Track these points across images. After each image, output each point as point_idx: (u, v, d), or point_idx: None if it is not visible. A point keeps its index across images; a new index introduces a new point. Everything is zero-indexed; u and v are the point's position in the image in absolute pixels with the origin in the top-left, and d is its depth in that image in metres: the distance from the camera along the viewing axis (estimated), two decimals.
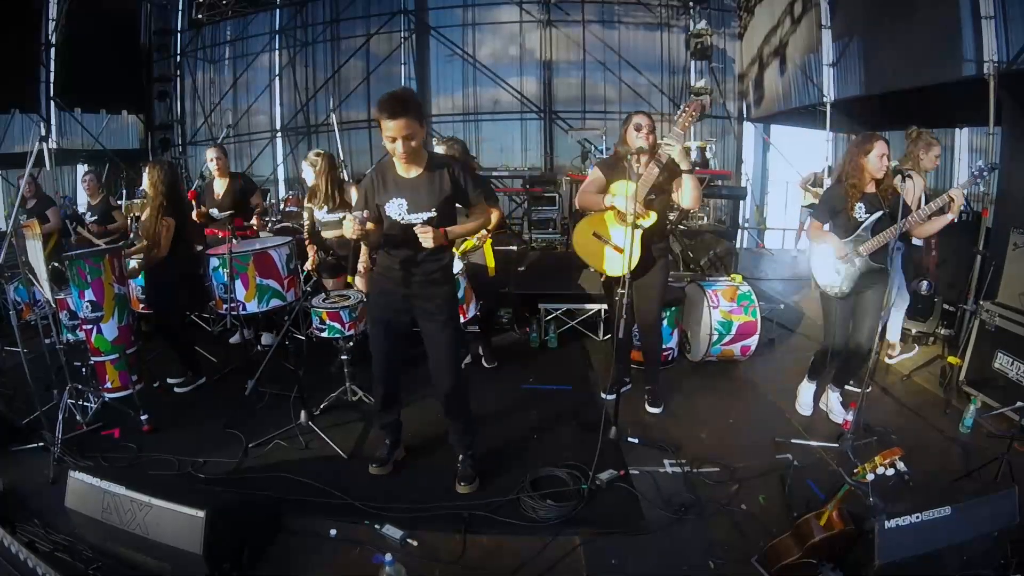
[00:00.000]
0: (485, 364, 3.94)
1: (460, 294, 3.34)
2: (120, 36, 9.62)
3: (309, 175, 3.78)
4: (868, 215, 2.78)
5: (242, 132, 10.68)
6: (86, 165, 9.37)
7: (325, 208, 3.63)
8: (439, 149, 3.56)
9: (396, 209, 2.26)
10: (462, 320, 3.40)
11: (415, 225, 2.23)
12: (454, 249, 3.64)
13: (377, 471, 2.61)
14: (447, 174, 2.28)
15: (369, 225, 2.25)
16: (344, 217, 2.34)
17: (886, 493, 1.99)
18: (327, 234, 3.71)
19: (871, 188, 2.80)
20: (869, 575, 1.79)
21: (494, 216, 3.61)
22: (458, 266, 3.37)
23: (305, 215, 3.87)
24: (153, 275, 3.49)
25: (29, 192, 4.85)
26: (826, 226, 2.93)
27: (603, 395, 3.40)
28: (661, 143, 2.79)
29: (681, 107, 2.79)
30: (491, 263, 3.75)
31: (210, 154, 4.14)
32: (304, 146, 10.38)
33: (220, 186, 4.14)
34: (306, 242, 3.79)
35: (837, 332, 2.95)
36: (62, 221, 5.07)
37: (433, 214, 2.25)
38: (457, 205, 2.40)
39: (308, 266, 3.76)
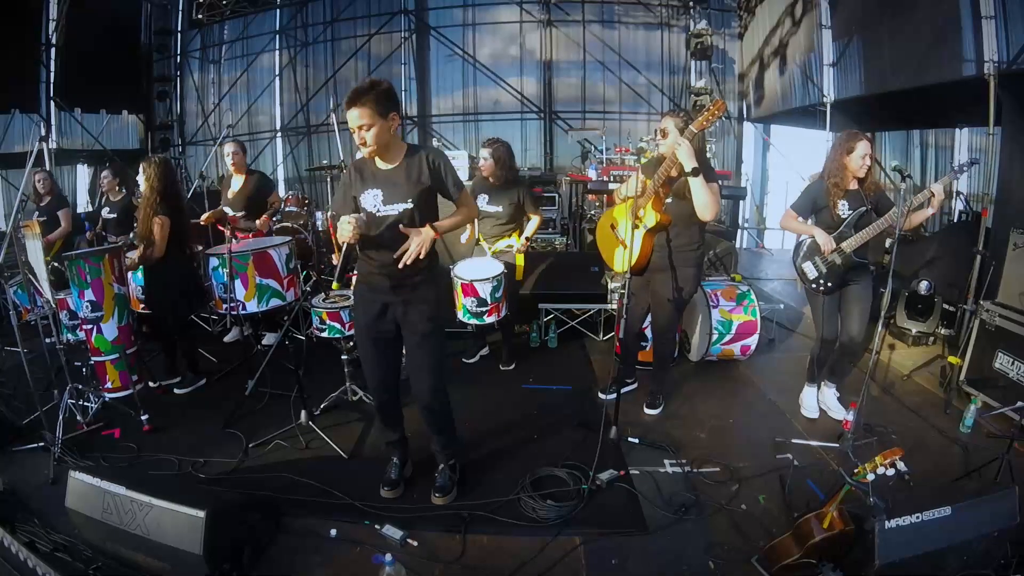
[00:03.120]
0: (502, 367, 3.93)
1: (499, 293, 3.34)
2: (120, 36, 9.60)
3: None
4: (851, 211, 2.80)
5: (242, 132, 10.68)
6: (86, 165, 9.38)
7: None
8: (484, 151, 3.55)
9: (371, 201, 2.15)
10: (496, 317, 3.42)
11: (390, 218, 2.13)
12: (488, 249, 3.64)
13: (390, 494, 2.47)
14: (425, 164, 2.17)
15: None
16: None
17: (886, 493, 1.99)
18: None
19: (853, 186, 2.82)
20: (869, 575, 1.79)
21: (536, 221, 3.65)
22: (499, 268, 3.37)
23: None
24: (152, 275, 3.47)
25: (44, 189, 4.84)
26: (810, 220, 2.95)
27: (600, 395, 3.40)
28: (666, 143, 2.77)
29: (707, 105, 2.70)
30: (520, 266, 3.73)
31: (227, 149, 4.10)
32: (304, 146, 10.39)
33: (236, 183, 4.10)
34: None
35: (826, 326, 2.97)
36: (73, 224, 5.00)
37: (409, 205, 2.13)
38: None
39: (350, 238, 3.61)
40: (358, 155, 3.51)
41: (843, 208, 2.80)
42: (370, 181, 2.18)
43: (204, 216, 3.91)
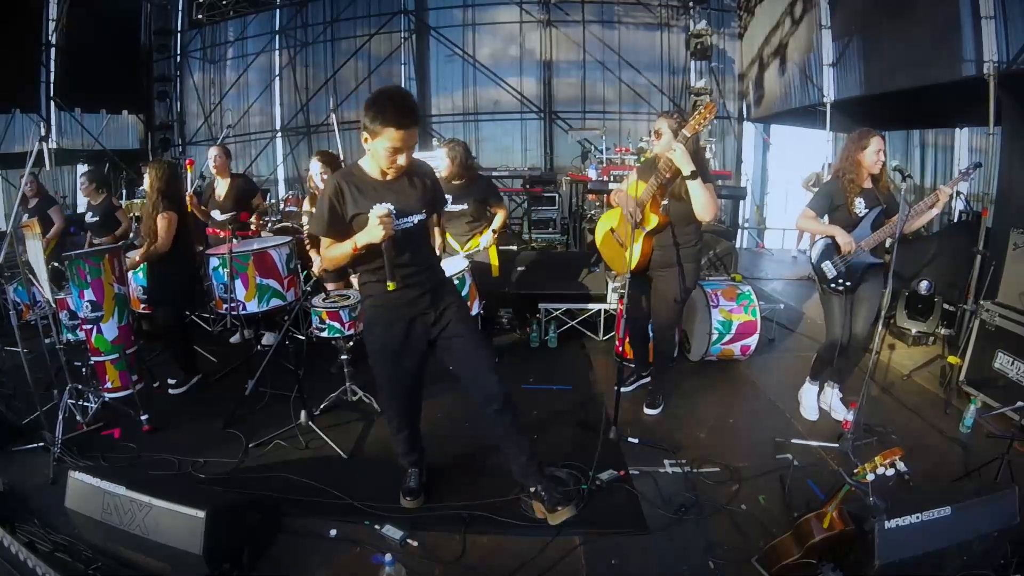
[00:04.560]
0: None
1: (464, 292, 3.34)
2: (120, 36, 9.63)
3: (318, 177, 3.75)
4: (868, 210, 2.80)
5: (242, 132, 10.68)
6: (86, 165, 9.39)
7: None
8: (441, 151, 3.57)
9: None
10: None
11: (406, 230, 2.04)
12: (459, 248, 3.65)
13: (412, 504, 2.41)
14: (425, 176, 2.15)
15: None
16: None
17: (886, 493, 1.99)
18: None
19: (868, 184, 2.82)
20: (869, 575, 1.79)
21: (501, 215, 3.66)
22: (463, 264, 3.38)
23: (305, 219, 3.86)
24: (155, 271, 3.46)
25: (31, 192, 4.85)
26: (824, 219, 2.94)
27: (618, 388, 3.38)
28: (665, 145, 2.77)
29: (699, 107, 2.66)
30: (495, 263, 3.74)
31: (211, 152, 4.13)
32: (304, 146, 10.39)
33: (221, 187, 4.13)
34: (307, 245, 3.73)
35: (838, 328, 2.96)
36: (65, 221, 5.06)
37: (423, 216, 2.10)
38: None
39: (316, 271, 3.69)
40: (313, 166, 3.53)
41: (860, 206, 2.80)
42: (373, 195, 2.02)
43: (190, 201, 3.87)
